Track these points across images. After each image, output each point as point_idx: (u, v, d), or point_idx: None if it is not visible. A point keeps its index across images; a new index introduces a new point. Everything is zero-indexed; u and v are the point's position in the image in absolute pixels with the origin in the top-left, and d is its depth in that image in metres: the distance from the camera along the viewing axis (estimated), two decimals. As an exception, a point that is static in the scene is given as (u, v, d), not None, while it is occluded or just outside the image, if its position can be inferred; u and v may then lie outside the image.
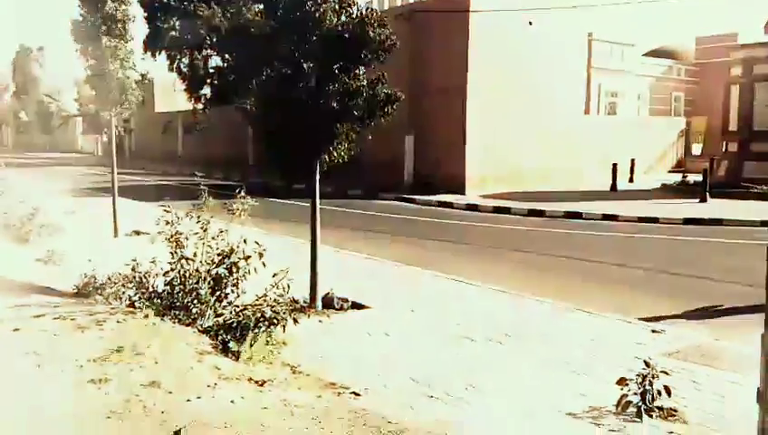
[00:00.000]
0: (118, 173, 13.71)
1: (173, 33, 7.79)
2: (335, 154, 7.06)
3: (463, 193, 21.41)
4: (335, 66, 7.03)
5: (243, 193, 6.75)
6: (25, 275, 8.28)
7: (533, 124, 22.70)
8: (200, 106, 8.65)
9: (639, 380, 4.76)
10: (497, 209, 18.64)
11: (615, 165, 22.86)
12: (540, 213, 17.76)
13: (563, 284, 9.68)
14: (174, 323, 5.78)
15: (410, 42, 21.03)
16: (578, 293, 8.82)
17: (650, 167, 30.41)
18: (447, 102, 22.01)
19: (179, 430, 3.63)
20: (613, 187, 22.54)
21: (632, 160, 25.76)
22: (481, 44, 21.56)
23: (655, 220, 16.34)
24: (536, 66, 22.58)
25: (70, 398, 4.12)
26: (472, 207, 19.20)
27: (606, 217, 16.93)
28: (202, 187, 6.63)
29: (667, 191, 22.79)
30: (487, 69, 21.61)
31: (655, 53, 39.95)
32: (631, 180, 25.20)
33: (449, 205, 19.68)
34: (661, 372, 4.81)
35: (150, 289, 6.30)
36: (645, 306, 8.22)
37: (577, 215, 17.25)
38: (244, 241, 6.22)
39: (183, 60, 8.26)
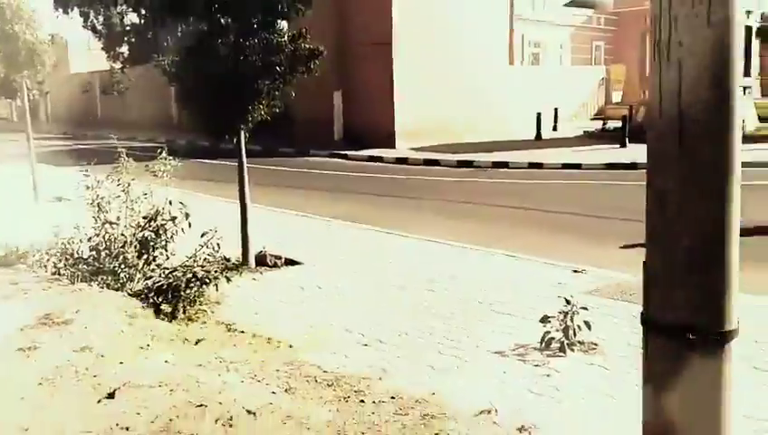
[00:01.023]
0: (35, 138, 13.16)
1: (85, -14, 7.48)
2: (256, 112, 6.97)
3: (393, 147, 21.50)
4: (254, 20, 6.90)
5: (164, 154, 6.63)
6: (-60, 248, 7.93)
7: (460, 76, 22.84)
8: (118, 66, 8.35)
9: (561, 317, 5.02)
10: (426, 162, 18.85)
11: (539, 114, 23.35)
12: (468, 164, 18.05)
13: (490, 230, 9.95)
14: (102, 288, 5.70)
15: (334, -5, 20.73)
16: (505, 238, 9.10)
17: (573, 115, 31.18)
18: (374, 56, 21.86)
19: (113, 392, 3.63)
20: (538, 136, 23.06)
21: (555, 110, 26.35)
22: (405, -4, 21.43)
23: (578, 166, 16.88)
24: (461, 18, 22.61)
25: (-3, 368, 4.05)
26: (402, 161, 19.35)
27: (532, 165, 17.38)
28: (120, 149, 6.46)
29: (589, 138, 23.49)
30: (412, 21, 21.53)
31: (575, 3, 40.50)
32: (555, 129, 25.81)
33: (379, 159, 19.75)
34: (581, 308, 5.07)
35: (75, 256, 6.18)
36: (568, 248, 8.57)
37: (504, 164, 17.63)
38: (170, 202, 6.14)
39: (98, 17, 7.92)
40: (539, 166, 17.24)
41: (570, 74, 33.44)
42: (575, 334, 5.01)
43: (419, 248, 8.62)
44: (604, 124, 25.25)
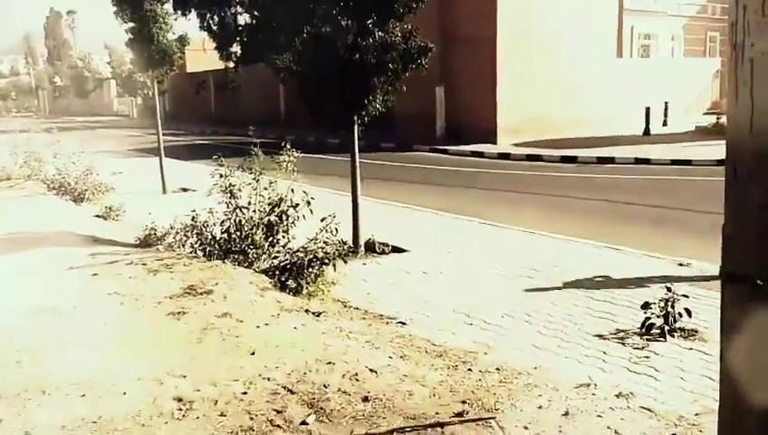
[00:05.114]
0: (154, 134, 14.32)
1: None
2: (371, 107, 7.46)
3: (495, 142, 21.59)
4: (369, 21, 7.39)
5: (288, 146, 7.24)
6: (89, 230, 8.93)
7: (564, 70, 22.60)
8: (231, 65, 9.03)
9: (662, 304, 5.19)
10: (529, 157, 18.88)
11: (648, 108, 22.74)
12: (572, 159, 17.94)
13: (597, 225, 10.01)
14: (234, 266, 6.36)
15: (438, -10, 21.02)
16: (608, 232, 9.16)
17: (685, 109, 30.04)
18: (477, 51, 21.99)
19: (254, 351, 4.19)
20: (646, 131, 22.50)
21: (666, 103, 25.54)
22: (510, -10, 21.46)
23: (688, 163, 16.44)
24: (566, 10, 22.39)
25: (154, 328, 4.71)
26: (504, 156, 19.46)
27: (638, 160, 17.07)
28: (254, 142, 7.13)
29: (701, 133, 22.64)
30: (517, 15, 21.52)
31: (689, -8, 38.92)
32: (665, 124, 25.04)
33: (481, 154, 19.95)
34: (682, 295, 5.22)
35: (209, 237, 6.88)
36: (678, 244, 8.55)
37: (609, 160, 17.41)
38: (292, 191, 6.74)
39: (213, 18, 8.61)
40: (646, 161, 16.93)
41: (682, 67, 32.17)
42: (675, 321, 5.17)
43: (520, 239, 8.86)
44: (718, 119, 24.21)
